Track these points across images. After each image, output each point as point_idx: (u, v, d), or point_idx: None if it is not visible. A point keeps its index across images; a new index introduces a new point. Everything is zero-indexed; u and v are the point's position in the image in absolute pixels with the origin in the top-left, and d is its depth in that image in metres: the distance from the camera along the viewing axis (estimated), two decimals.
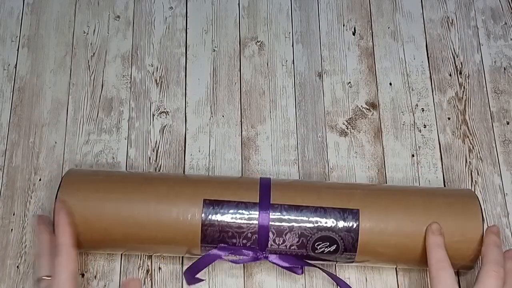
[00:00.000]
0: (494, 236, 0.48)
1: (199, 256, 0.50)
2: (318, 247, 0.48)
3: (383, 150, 0.59)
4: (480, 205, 0.50)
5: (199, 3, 0.65)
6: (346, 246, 0.48)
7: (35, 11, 0.64)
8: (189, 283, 0.52)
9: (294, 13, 0.64)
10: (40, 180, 0.57)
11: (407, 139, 0.59)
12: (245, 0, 0.65)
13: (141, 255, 0.54)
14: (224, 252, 0.48)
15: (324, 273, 0.52)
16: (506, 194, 0.57)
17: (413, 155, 0.59)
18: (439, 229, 0.48)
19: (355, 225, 0.48)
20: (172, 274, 0.54)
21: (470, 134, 0.59)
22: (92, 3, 0.64)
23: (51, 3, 0.64)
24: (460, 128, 0.60)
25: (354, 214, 0.48)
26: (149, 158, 0.58)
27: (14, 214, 0.56)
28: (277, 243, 0.48)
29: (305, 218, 0.48)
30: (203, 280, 0.53)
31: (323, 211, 0.48)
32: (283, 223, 0.48)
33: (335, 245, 0.48)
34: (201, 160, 0.58)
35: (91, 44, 0.62)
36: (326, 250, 0.48)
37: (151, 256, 0.54)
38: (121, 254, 0.54)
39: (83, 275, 0.53)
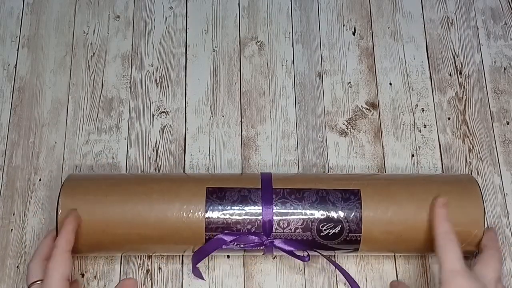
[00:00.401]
0: (495, 234, 0.51)
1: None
2: (323, 229, 0.48)
3: (383, 150, 0.59)
4: (480, 189, 0.50)
5: (199, 3, 0.65)
6: (350, 226, 0.48)
7: (35, 11, 0.64)
8: (193, 272, 0.52)
9: (294, 13, 0.64)
10: (40, 180, 0.57)
11: (407, 139, 0.59)
12: (245, 0, 0.65)
13: (140, 255, 0.54)
14: (229, 237, 0.48)
15: (326, 273, 0.52)
16: (506, 194, 0.57)
17: (413, 155, 0.59)
18: (445, 202, 0.48)
19: (357, 204, 0.48)
20: (172, 274, 0.54)
21: (470, 134, 0.59)
22: (92, 3, 0.64)
23: (51, 3, 0.64)
24: (460, 128, 0.60)
25: (355, 194, 0.49)
26: (149, 158, 0.58)
27: (14, 214, 0.56)
28: (282, 226, 0.48)
29: (307, 200, 0.49)
30: (203, 279, 0.53)
31: (325, 192, 0.49)
32: (287, 207, 0.48)
33: (340, 226, 0.48)
34: (201, 160, 0.58)
35: (91, 44, 0.62)
36: (331, 232, 0.48)
37: (151, 256, 0.54)
38: (121, 255, 0.54)
39: (83, 275, 0.53)
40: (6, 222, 0.55)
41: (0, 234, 0.55)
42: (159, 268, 0.54)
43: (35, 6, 0.64)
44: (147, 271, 0.54)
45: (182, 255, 0.54)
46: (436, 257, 0.46)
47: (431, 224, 0.48)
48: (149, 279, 0.54)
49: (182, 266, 0.54)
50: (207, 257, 0.54)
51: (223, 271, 0.54)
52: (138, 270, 0.54)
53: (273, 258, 0.54)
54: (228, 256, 0.54)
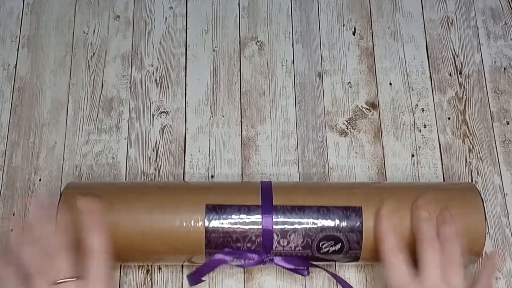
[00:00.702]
0: (421, 211, 0.48)
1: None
2: (323, 246, 0.48)
3: (383, 150, 0.59)
4: (482, 197, 0.49)
5: (199, 3, 0.65)
6: (350, 244, 0.48)
7: (35, 11, 0.64)
8: (190, 285, 0.52)
9: (294, 13, 0.64)
10: (40, 180, 0.57)
11: (407, 139, 0.59)
12: (245, 0, 0.65)
13: None
14: (229, 256, 0.48)
15: (326, 273, 0.52)
16: (506, 194, 0.57)
17: (413, 155, 0.59)
18: (389, 212, 0.47)
19: (358, 223, 0.48)
20: (172, 274, 0.54)
21: (470, 134, 0.59)
22: (92, 3, 0.64)
23: (51, 3, 0.64)
24: (460, 128, 0.60)
25: (357, 211, 0.48)
26: (149, 158, 0.58)
27: (14, 214, 0.56)
28: (282, 244, 0.48)
29: (308, 218, 0.48)
30: (203, 281, 0.53)
31: (326, 210, 0.48)
32: (287, 224, 0.48)
33: (340, 244, 0.48)
34: (201, 160, 0.58)
35: (91, 44, 0.62)
36: (331, 249, 0.48)
37: None
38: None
39: None
40: (6, 222, 0.55)
41: (0, 234, 0.55)
42: (159, 268, 0.54)
43: (35, 6, 0.64)
44: (147, 271, 0.54)
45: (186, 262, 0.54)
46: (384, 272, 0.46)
47: (377, 236, 0.47)
48: (149, 279, 0.54)
49: (182, 266, 0.54)
50: None
51: (223, 271, 0.54)
52: (138, 270, 0.54)
53: None
54: None
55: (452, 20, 0.64)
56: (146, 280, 0.53)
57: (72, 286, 0.42)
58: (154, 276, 0.54)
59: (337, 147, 0.59)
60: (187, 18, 0.64)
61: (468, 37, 0.63)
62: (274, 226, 0.48)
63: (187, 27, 0.63)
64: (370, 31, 0.64)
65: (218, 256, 0.48)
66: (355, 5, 0.65)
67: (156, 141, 0.59)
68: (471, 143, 0.59)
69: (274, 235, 0.48)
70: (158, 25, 0.63)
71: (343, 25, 0.64)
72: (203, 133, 0.59)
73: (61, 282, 0.42)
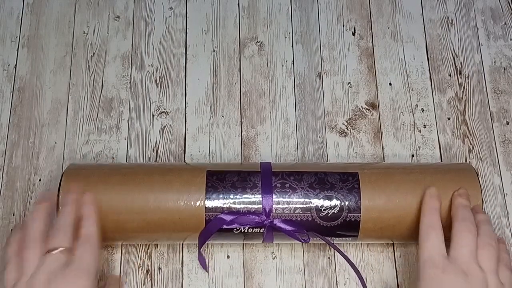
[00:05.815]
0: (461, 198, 0.49)
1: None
2: (322, 209, 0.49)
3: (383, 150, 0.59)
4: (478, 175, 0.50)
5: (199, 3, 0.65)
6: (350, 206, 0.49)
7: (35, 11, 0.64)
8: (199, 259, 0.52)
9: (294, 13, 0.64)
10: (40, 180, 0.57)
11: (407, 139, 0.59)
12: (245, 0, 0.65)
13: (140, 255, 0.54)
14: (229, 216, 0.48)
15: (326, 274, 0.52)
16: (506, 194, 0.57)
17: (413, 155, 0.59)
18: (437, 194, 0.48)
19: (355, 185, 0.49)
20: (172, 274, 0.54)
21: (470, 134, 0.59)
22: (92, 3, 0.64)
23: (51, 3, 0.64)
24: (460, 128, 0.60)
25: (353, 176, 0.50)
26: (149, 159, 0.58)
27: (14, 214, 0.56)
28: (282, 206, 0.49)
29: (306, 181, 0.49)
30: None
31: (324, 174, 0.50)
32: (286, 186, 0.49)
33: (339, 206, 0.49)
34: (201, 160, 0.58)
35: (91, 44, 0.62)
36: (331, 212, 0.49)
37: (151, 256, 0.54)
38: (121, 255, 0.54)
39: None
40: (6, 222, 0.55)
41: (0, 234, 0.55)
42: (159, 268, 0.54)
43: (35, 6, 0.64)
44: (147, 271, 0.54)
45: (182, 255, 0.54)
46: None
47: (420, 214, 0.48)
48: (149, 279, 0.54)
49: (182, 267, 0.54)
50: (207, 256, 0.54)
51: (223, 271, 0.54)
52: (138, 270, 0.54)
53: (273, 259, 0.54)
54: (228, 256, 0.54)
55: (452, 20, 0.64)
56: (146, 280, 0.53)
57: (62, 256, 0.44)
58: (154, 276, 0.54)
59: (337, 148, 0.59)
60: (187, 18, 0.64)
61: (468, 37, 0.63)
62: (274, 188, 0.49)
63: (187, 27, 0.64)
64: (370, 32, 0.64)
65: (220, 215, 0.48)
66: (355, 5, 0.65)
67: (156, 141, 0.59)
68: (471, 143, 0.59)
69: (274, 197, 0.49)
70: (158, 25, 0.63)
71: (343, 26, 0.64)
72: (203, 133, 0.59)
73: (52, 251, 0.44)
